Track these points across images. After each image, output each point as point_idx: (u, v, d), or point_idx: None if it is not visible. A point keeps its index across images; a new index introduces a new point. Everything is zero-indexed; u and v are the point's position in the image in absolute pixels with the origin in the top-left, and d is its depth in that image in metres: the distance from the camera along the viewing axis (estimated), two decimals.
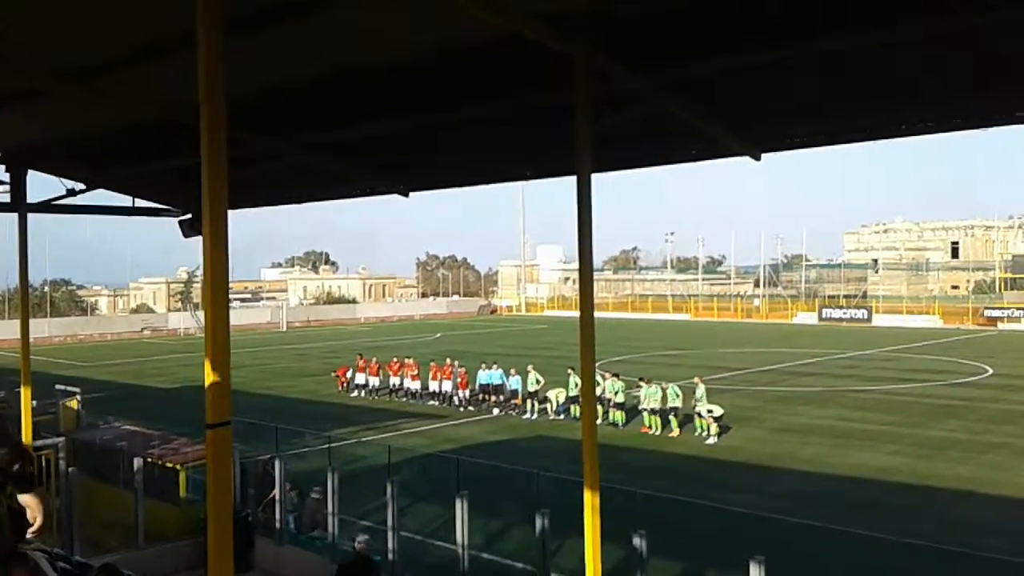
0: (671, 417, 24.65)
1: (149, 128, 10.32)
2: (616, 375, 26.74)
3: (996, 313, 68.25)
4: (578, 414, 25.69)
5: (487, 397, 29.18)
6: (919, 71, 7.15)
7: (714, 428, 23.74)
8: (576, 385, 26.32)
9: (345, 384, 33.53)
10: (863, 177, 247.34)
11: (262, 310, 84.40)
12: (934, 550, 12.89)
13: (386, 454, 16.33)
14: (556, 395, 27.65)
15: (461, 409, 29.19)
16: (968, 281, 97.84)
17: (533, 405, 28.14)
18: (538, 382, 28.22)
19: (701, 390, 24.38)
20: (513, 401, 28.80)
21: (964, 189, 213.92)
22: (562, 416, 27.02)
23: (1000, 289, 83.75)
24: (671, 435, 24.45)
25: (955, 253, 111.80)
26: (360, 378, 32.94)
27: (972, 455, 21.74)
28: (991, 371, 38.29)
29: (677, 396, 24.52)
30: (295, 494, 15.41)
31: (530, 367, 28.87)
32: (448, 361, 31.51)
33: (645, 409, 25.36)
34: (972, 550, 12.74)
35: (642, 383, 25.95)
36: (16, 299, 44.04)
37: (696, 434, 24.18)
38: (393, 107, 9.02)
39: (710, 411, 23.80)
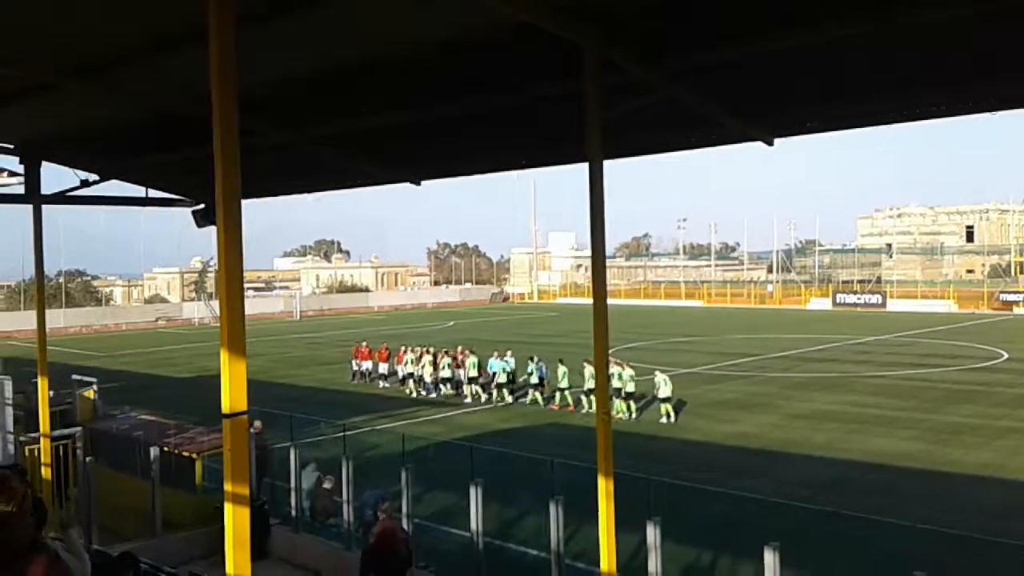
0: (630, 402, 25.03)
1: (162, 119, 10.36)
2: (621, 363, 26.71)
3: (1012, 297, 67.70)
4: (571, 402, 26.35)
5: (498, 385, 29.19)
6: (927, 56, 7.11)
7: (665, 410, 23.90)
8: (574, 374, 26.40)
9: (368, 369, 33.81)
10: (877, 161, 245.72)
11: (275, 299, 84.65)
12: (953, 536, 12.80)
13: (400, 442, 16.37)
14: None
15: (469, 399, 29.17)
16: (983, 265, 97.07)
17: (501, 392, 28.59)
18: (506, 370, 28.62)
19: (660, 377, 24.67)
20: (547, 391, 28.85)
21: (979, 173, 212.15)
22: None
23: (1016, 273, 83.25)
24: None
25: (970, 237, 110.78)
26: (381, 367, 33.08)
27: (989, 440, 21.63)
28: (1007, 355, 38.03)
29: (665, 384, 24.63)
30: (329, 479, 15.35)
31: (508, 352, 29.51)
32: (459, 349, 31.54)
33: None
34: (991, 536, 12.66)
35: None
36: (32, 290, 44.43)
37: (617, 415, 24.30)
38: (405, 98, 9.02)
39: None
